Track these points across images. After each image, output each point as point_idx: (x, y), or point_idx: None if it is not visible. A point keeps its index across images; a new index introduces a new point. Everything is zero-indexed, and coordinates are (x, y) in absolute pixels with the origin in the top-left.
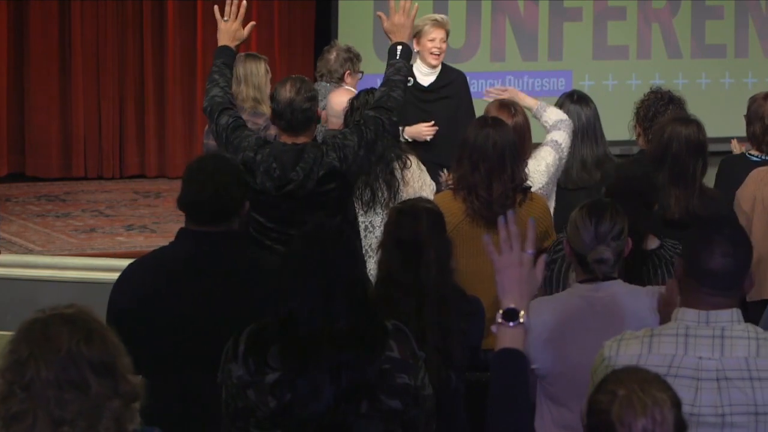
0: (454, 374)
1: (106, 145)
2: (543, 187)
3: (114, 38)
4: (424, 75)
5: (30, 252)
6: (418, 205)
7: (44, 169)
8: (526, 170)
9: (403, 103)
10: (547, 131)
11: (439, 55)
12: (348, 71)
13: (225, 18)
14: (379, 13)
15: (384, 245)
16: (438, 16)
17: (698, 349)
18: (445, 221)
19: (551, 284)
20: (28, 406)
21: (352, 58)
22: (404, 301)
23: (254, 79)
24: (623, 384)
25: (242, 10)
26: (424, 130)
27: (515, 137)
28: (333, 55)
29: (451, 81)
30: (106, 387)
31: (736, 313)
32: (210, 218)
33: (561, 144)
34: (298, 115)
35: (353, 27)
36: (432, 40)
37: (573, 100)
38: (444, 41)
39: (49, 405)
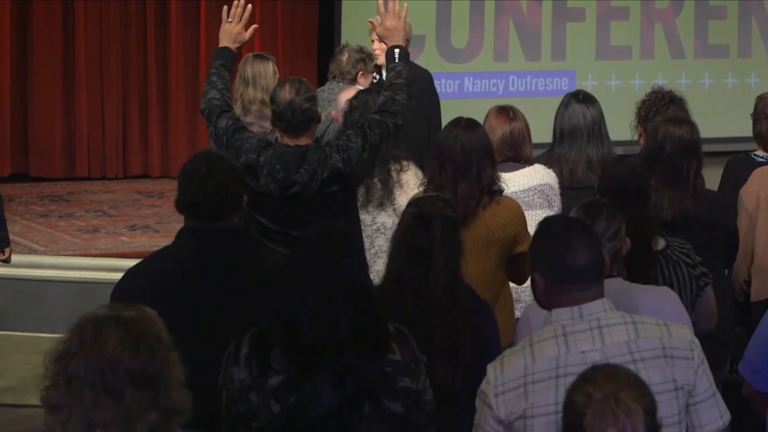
0: (460, 376)
1: (109, 145)
2: None
3: (117, 38)
4: None
5: (33, 252)
6: (434, 211)
7: (48, 169)
8: (500, 174)
9: (406, 105)
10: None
11: (379, 55)
12: (361, 72)
13: (229, 19)
14: (371, 19)
15: (396, 248)
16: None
17: (579, 344)
18: (458, 225)
19: None
20: (66, 401)
21: (365, 59)
22: (413, 304)
23: (262, 80)
24: (600, 387)
25: (247, 13)
26: None
27: (488, 140)
28: (345, 57)
29: (415, 79)
30: (143, 399)
31: (606, 302)
32: (212, 216)
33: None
34: (299, 116)
35: (357, 27)
36: (372, 41)
37: (578, 100)
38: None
39: (84, 405)
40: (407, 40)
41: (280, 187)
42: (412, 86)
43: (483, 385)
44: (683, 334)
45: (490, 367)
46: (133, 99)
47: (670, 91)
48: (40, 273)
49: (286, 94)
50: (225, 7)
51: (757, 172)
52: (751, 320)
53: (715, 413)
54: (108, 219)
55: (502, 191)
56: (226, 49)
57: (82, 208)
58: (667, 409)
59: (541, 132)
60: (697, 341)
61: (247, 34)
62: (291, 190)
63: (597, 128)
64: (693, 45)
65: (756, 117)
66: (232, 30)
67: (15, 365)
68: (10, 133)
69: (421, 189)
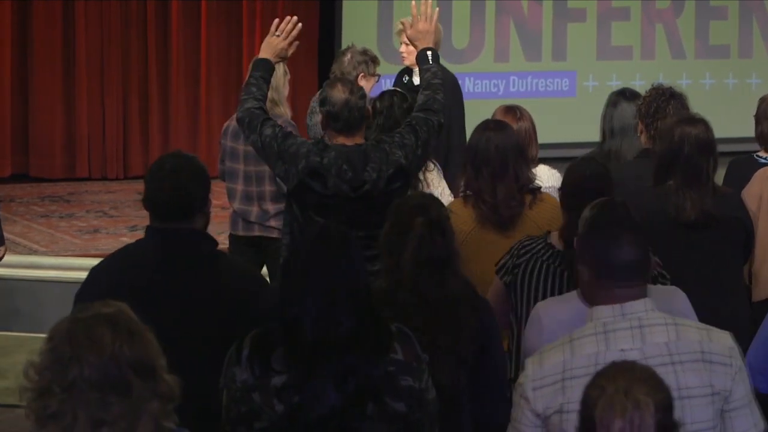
0: (463, 375)
1: (109, 145)
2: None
3: (118, 39)
4: (416, 75)
5: (34, 253)
6: (441, 216)
7: (48, 170)
8: (534, 171)
9: (445, 105)
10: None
11: (406, 57)
12: (362, 74)
13: (277, 33)
14: (402, 20)
15: (411, 258)
16: (401, 23)
17: (619, 342)
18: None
19: (519, 290)
20: (68, 407)
21: (367, 61)
22: (417, 305)
23: (272, 80)
24: (613, 381)
25: (296, 31)
26: None
27: (518, 139)
28: (347, 57)
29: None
30: (147, 388)
31: (649, 302)
32: (172, 215)
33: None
34: (355, 114)
35: (357, 28)
36: (401, 44)
37: (626, 97)
38: (408, 44)
39: (90, 406)
40: (436, 43)
41: (352, 187)
42: None
43: (521, 379)
44: (723, 340)
45: (528, 361)
46: (133, 99)
47: (671, 87)
48: (40, 273)
49: (341, 93)
50: (276, 21)
51: (759, 173)
52: (753, 320)
53: (749, 421)
54: (109, 219)
55: (540, 187)
56: (266, 61)
57: (82, 209)
58: (702, 414)
59: (542, 132)
60: (737, 348)
61: (290, 51)
62: (363, 189)
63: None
64: (694, 45)
65: (758, 118)
66: (278, 44)
67: (16, 366)
68: (10, 133)
69: (461, 194)
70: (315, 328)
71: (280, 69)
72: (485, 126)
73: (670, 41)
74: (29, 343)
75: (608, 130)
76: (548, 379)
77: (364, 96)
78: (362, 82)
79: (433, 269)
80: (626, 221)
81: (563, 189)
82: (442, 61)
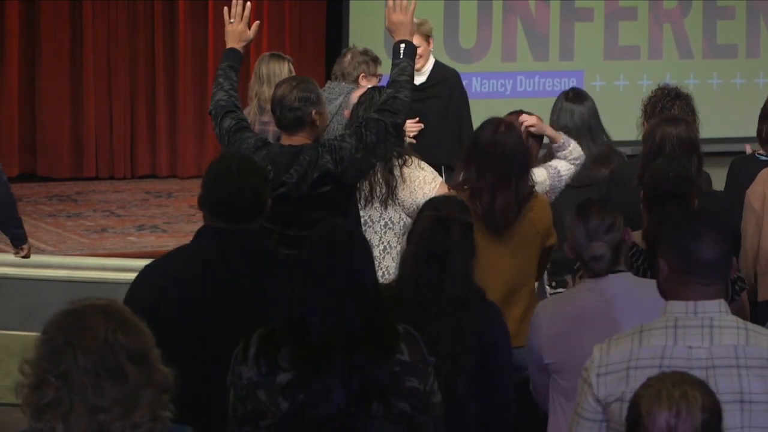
0: (462, 381)
1: (117, 145)
2: None
3: (125, 38)
4: (417, 74)
5: (41, 252)
6: (452, 214)
7: (55, 169)
8: (532, 176)
9: (410, 103)
10: (557, 157)
11: (417, 59)
12: (363, 74)
13: (231, 20)
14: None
15: (413, 250)
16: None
17: (688, 338)
18: (473, 229)
19: None
20: (64, 394)
21: (368, 61)
22: (423, 306)
23: (277, 79)
24: (663, 381)
25: (247, 11)
26: (407, 127)
27: (525, 147)
28: (348, 58)
29: (443, 79)
30: (142, 376)
31: (723, 304)
32: (238, 218)
33: (561, 173)
34: (286, 114)
35: (364, 28)
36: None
37: (567, 98)
38: (417, 46)
39: (86, 393)
40: (430, 37)
41: (270, 188)
42: (440, 86)
43: (587, 364)
44: None
45: (596, 348)
46: (141, 99)
47: (676, 87)
48: (48, 273)
49: (280, 90)
50: (225, 8)
51: (764, 173)
52: (758, 320)
53: None
54: (116, 219)
55: (534, 185)
56: (232, 50)
57: (90, 208)
58: (762, 420)
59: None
60: None
61: (251, 33)
62: (279, 191)
63: (586, 126)
64: (701, 45)
65: (761, 116)
66: (236, 29)
67: None
68: (18, 133)
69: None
70: (322, 327)
71: (285, 69)
72: (495, 128)
73: (677, 41)
74: None
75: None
76: (613, 367)
77: (305, 99)
78: (363, 83)
79: (433, 265)
80: (711, 220)
81: (645, 189)
82: (448, 61)
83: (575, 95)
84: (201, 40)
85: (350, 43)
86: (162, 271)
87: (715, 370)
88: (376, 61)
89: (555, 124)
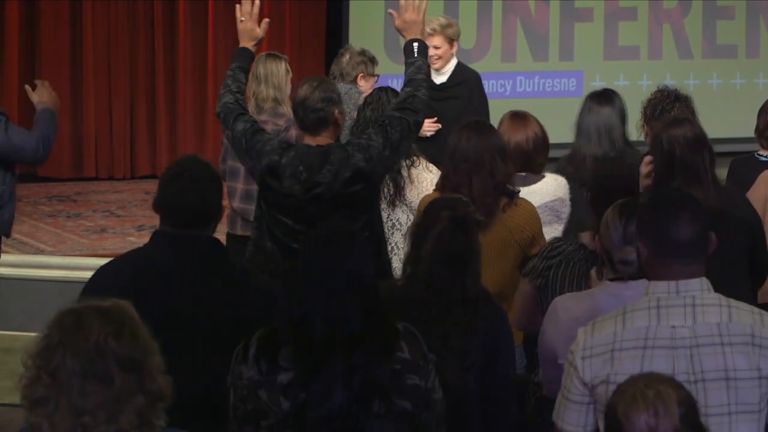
0: (471, 377)
1: (117, 145)
2: None
3: (125, 39)
4: (438, 74)
5: (41, 252)
6: (468, 215)
7: (55, 170)
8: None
9: (428, 101)
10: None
11: (437, 60)
12: (361, 74)
13: (241, 18)
14: (391, 10)
15: (431, 251)
16: (430, 26)
17: (671, 318)
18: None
19: (550, 291)
20: (52, 392)
21: (366, 61)
22: (435, 304)
23: (274, 79)
24: (635, 385)
25: (256, 9)
26: (425, 126)
27: (499, 138)
28: (346, 58)
29: (464, 80)
30: (131, 383)
31: (705, 281)
32: (191, 223)
33: (561, 216)
34: (309, 115)
35: (364, 27)
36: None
37: (593, 97)
38: (438, 47)
39: (72, 393)
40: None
41: (304, 188)
42: (461, 87)
43: (573, 347)
44: None
45: (581, 331)
46: (140, 99)
47: (675, 89)
48: (47, 273)
49: (302, 92)
50: (237, 6)
51: (764, 175)
52: None
53: None
54: (116, 219)
55: (518, 192)
56: (244, 49)
57: (89, 209)
58: (748, 396)
59: (550, 132)
60: None
61: (261, 31)
62: (315, 191)
63: (607, 128)
64: (701, 45)
65: (759, 113)
66: (246, 28)
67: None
68: None
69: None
70: (322, 326)
71: (282, 68)
72: (467, 125)
73: (677, 41)
74: None
75: (576, 127)
76: (598, 349)
77: (327, 99)
78: (361, 83)
79: (451, 265)
80: (686, 200)
81: (590, 190)
82: None
83: (600, 95)
84: (201, 40)
85: (350, 43)
86: (120, 272)
87: (699, 349)
88: (373, 61)
89: (578, 122)
